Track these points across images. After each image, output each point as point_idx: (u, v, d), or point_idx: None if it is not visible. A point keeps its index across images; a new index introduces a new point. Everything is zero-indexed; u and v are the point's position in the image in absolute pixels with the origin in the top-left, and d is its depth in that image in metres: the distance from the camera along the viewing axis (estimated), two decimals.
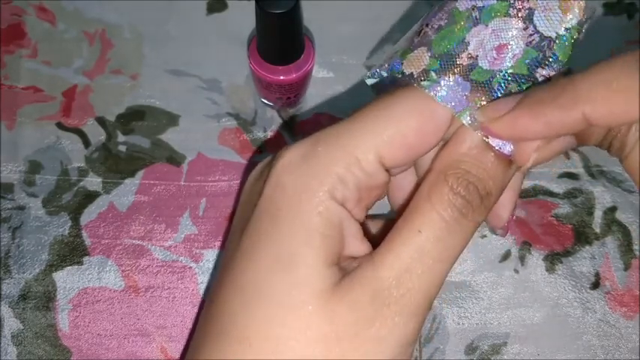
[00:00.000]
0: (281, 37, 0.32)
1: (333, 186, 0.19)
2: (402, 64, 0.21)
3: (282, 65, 0.34)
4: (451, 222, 0.19)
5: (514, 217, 0.23)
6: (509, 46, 0.19)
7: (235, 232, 0.22)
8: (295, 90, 0.36)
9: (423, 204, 0.19)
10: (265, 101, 0.39)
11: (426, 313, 0.19)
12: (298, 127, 0.39)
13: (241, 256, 0.20)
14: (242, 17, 0.41)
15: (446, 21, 0.20)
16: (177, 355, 0.35)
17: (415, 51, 0.20)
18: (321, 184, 0.19)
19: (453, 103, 0.19)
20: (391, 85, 0.21)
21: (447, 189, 0.19)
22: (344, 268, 0.19)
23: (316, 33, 0.40)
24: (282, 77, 0.34)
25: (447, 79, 0.20)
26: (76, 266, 0.36)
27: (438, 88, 0.19)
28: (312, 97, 0.40)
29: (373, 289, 0.19)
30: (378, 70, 0.21)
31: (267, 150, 0.39)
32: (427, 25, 0.21)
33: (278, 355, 0.19)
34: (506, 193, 0.21)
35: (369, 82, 0.22)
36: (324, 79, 0.40)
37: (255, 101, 0.40)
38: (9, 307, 0.35)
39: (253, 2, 0.29)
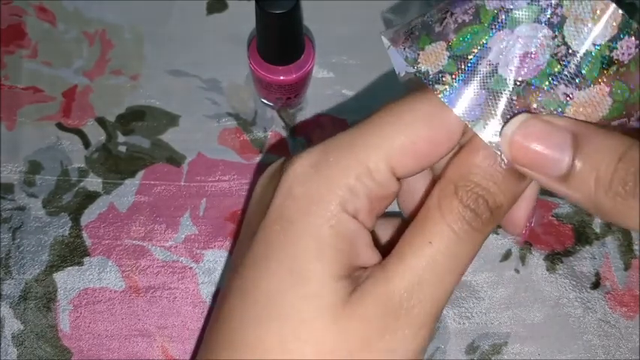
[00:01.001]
0: (281, 37, 0.32)
1: (345, 198, 0.19)
2: (419, 54, 0.19)
3: (282, 65, 0.34)
4: (461, 234, 0.19)
5: (532, 225, 0.22)
6: (535, 56, 0.18)
7: (245, 236, 0.22)
8: (295, 90, 0.36)
9: (433, 214, 0.19)
10: (265, 101, 0.39)
11: (435, 322, 0.19)
12: (298, 128, 0.39)
13: (252, 265, 0.20)
14: (242, 17, 0.41)
15: (471, 17, 0.19)
16: (179, 356, 0.35)
17: (434, 44, 0.19)
18: (333, 197, 0.19)
19: (466, 112, 0.18)
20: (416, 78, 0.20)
21: (456, 201, 0.19)
22: (355, 279, 0.19)
23: (316, 33, 0.40)
24: (282, 77, 0.34)
25: (462, 85, 0.19)
26: (77, 267, 0.36)
27: (452, 95, 0.18)
28: (312, 97, 0.40)
29: (384, 302, 0.19)
30: (395, 43, 0.20)
31: (268, 150, 0.39)
32: (451, 15, 0.19)
33: None
34: (521, 202, 0.21)
35: (386, 41, 0.21)
36: (324, 79, 0.40)
37: (255, 101, 0.40)
38: (10, 307, 0.35)
39: (253, 2, 0.29)
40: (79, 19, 0.41)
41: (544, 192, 0.38)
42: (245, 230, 0.22)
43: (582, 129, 0.17)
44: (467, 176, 0.19)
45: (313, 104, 0.40)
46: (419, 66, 0.19)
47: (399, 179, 0.20)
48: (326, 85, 0.40)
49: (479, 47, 0.19)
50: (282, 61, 0.34)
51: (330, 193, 0.19)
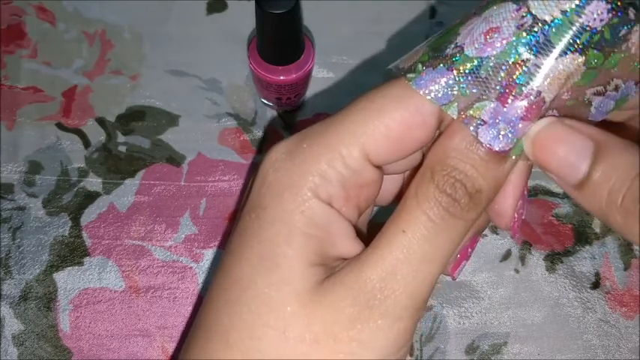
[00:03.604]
0: (281, 37, 0.32)
1: (316, 184, 0.19)
2: (403, 60, 0.20)
3: (282, 65, 0.34)
4: (438, 221, 0.18)
5: (522, 216, 0.21)
6: (499, 30, 0.18)
7: (232, 230, 0.22)
8: (295, 90, 0.36)
9: (409, 202, 0.19)
10: (265, 101, 0.39)
11: (416, 316, 0.19)
12: (298, 127, 0.39)
13: (229, 254, 0.20)
14: (242, 17, 0.41)
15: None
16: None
17: (417, 49, 0.20)
18: (304, 182, 0.19)
19: (436, 95, 0.18)
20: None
21: (432, 187, 0.18)
22: (332, 269, 0.19)
23: (316, 33, 0.40)
24: (282, 77, 0.34)
25: (430, 70, 0.18)
26: (77, 267, 0.36)
27: (422, 81, 0.18)
28: (312, 97, 0.40)
29: (355, 291, 0.18)
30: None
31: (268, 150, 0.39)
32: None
33: (260, 355, 0.18)
34: (506, 189, 0.20)
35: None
36: (324, 79, 0.40)
37: (255, 101, 0.40)
38: (10, 307, 0.35)
39: (253, 2, 0.29)
40: (79, 19, 0.41)
41: (544, 192, 0.39)
42: (233, 226, 0.22)
43: (605, 139, 0.17)
44: (443, 160, 0.18)
45: (313, 104, 0.40)
46: (400, 65, 0.20)
47: (379, 168, 0.20)
48: (326, 85, 0.40)
49: (450, 35, 0.19)
50: (282, 61, 0.34)
51: (302, 179, 0.19)
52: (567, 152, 0.17)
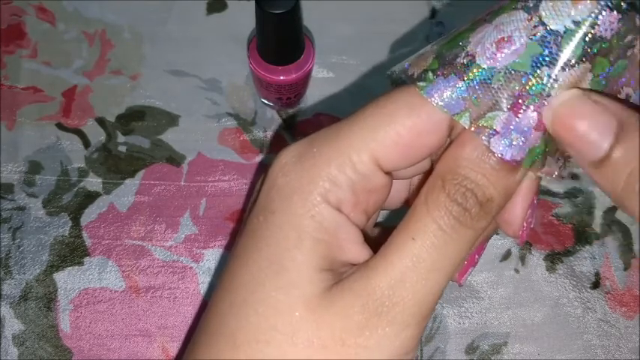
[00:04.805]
0: (281, 37, 0.32)
1: (326, 188, 0.19)
2: (410, 64, 0.20)
3: (282, 65, 0.34)
4: (448, 230, 0.18)
5: (531, 225, 0.21)
6: (511, 39, 0.18)
7: (239, 232, 0.22)
8: (295, 90, 0.36)
9: (419, 210, 0.19)
10: (265, 101, 0.39)
11: (422, 323, 0.19)
12: (298, 127, 0.39)
13: (237, 256, 0.20)
14: (242, 17, 0.41)
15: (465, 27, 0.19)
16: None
17: (424, 52, 0.20)
18: (314, 187, 0.19)
19: (448, 104, 0.18)
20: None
21: (443, 195, 0.18)
22: (339, 274, 0.19)
23: (316, 33, 0.40)
24: (282, 77, 0.34)
25: (441, 79, 0.18)
26: (77, 267, 0.36)
27: (432, 90, 0.18)
28: (312, 97, 0.40)
29: (364, 298, 0.18)
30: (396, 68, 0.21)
31: (268, 150, 0.39)
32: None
33: (266, 358, 0.18)
34: (516, 198, 0.20)
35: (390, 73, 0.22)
36: (324, 79, 0.40)
37: (255, 101, 0.40)
38: (10, 307, 0.35)
39: (253, 2, 0.29)
40: (79, 19, 0.41)
41: (544, 192, 0.39)
42: (241, 228, 0.22)
43: (631, 118, 0.16)
44: (454, 169, 0.18)
45: (313, 104, 0.40)
46: (407, 71, 0.19)
47: (388, 173, 0.20)
48: (326, 85, 0.40)
49: (461, 44, 0.19)
50: (281, 61, 0.34)
51: (311, 183, 0.19)
52: (588, 129, 0.16)
